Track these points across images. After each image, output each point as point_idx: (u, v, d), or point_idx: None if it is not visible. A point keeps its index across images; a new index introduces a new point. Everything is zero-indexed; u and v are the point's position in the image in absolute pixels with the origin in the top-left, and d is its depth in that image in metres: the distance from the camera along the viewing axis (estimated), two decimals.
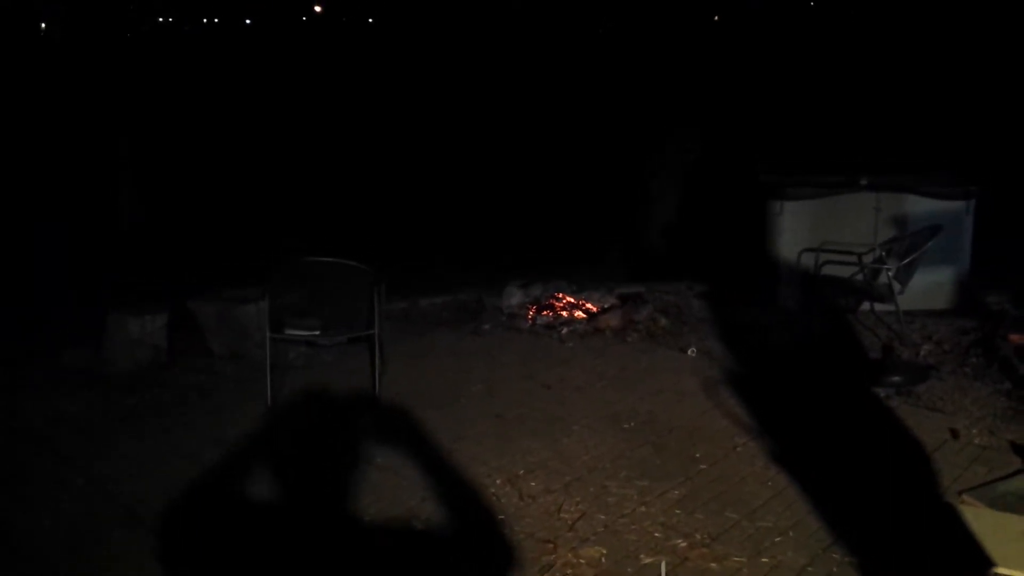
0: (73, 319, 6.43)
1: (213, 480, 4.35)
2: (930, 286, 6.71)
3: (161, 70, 21.26)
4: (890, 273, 5.99)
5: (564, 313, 6.99)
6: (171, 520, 3.95)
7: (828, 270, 6.29)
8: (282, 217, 10.25)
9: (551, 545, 3.68)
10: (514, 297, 7.18)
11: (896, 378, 5.40)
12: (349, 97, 19.17)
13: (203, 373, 5.91)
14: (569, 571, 3.49)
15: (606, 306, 7.05)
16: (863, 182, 6.90)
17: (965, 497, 3.77)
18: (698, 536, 3.74)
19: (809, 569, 3.48)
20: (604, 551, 3.63)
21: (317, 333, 5.42)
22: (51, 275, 7.90)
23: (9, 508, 4.10)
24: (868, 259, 6.27)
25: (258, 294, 5.73)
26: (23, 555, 3.71)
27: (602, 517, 3.92)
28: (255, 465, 4.51)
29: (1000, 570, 2.64)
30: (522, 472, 4.39)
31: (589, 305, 7.09)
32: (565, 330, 6.70)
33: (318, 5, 49.46)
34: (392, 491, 4.15)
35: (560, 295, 7.23)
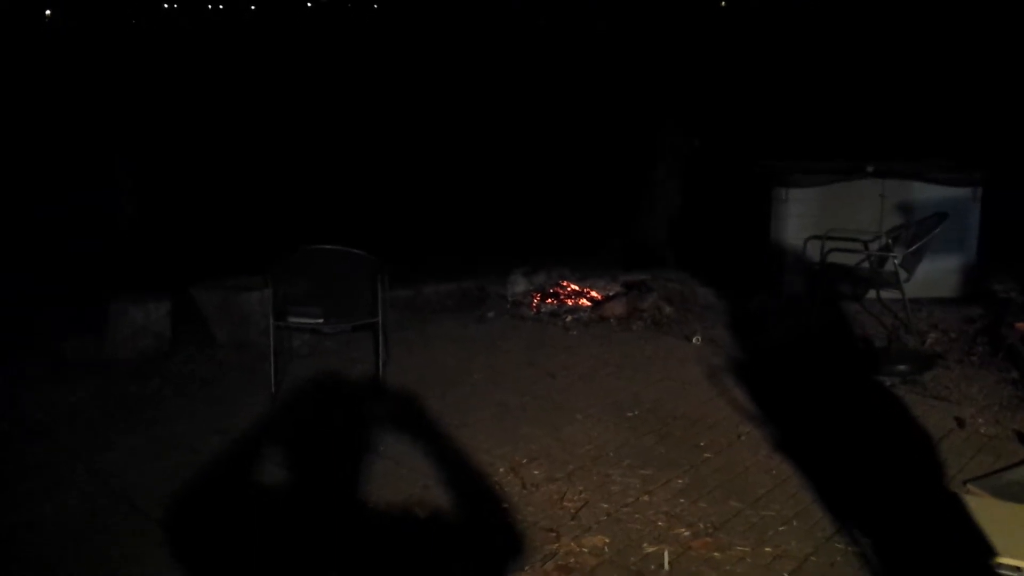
0: (75, 308, 6.41)
1: (216, 470, 4.35)
2: (936, 274, 6.68)
3: (164, 58, 21.22)
4: (896, 261, 5.96)
5: (568, 301, 6.97)
6: (174, 510, 3.95)
7: (834, 258, 6.26)
8: (286, 207, 10.22)
9: (554, 534, 3.67)
10: (518, 285, 7.16)
11: (901, 366, 5.38)
12: (353, 87, 19.12)
13: (206, 362, 5.90)
14: (572, 560, 3.48)
15: (611, 294, 7.03)
16: (869, 169, 6.87)
17: (970, 486, 3.75)
18: (702, 525, 3.73)
19: (813, 558, 3.46)
20: (607, 540, 3.62)
21: (321, 321, 5.40)
22: (53, 264, 7.88)
23: (10, 499, 4.10)
24: (874, 247, 6.24)
25: (261, 282, 5.72)
26: (24, 547, 3.71)
27: (605, 506, 3.91)
28: (259, 454, 4.51)
29: (1003, 559, 2.63)
30: (525, 460, 4.38)
31: (594, 293, 7.07)
32: (569, 318, 6.68)
33: None
34: (395, 479, 4.14)
35: (564, 283, 7.21)
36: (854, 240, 6.21)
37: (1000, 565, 2.62)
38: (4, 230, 8.73)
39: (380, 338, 5.44)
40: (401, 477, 4.17)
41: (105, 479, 4.26)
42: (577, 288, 7.14)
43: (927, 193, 6.76)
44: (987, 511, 3.01)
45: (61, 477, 4.29)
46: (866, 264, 6.26)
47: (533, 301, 6.97)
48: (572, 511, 3.87)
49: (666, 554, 3.48)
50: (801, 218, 6.87)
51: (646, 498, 3.98)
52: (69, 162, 10.86)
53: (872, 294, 6.51)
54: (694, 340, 6.16)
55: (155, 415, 5.06)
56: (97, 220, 8.95)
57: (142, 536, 3.73)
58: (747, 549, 3.54)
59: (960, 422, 4.68)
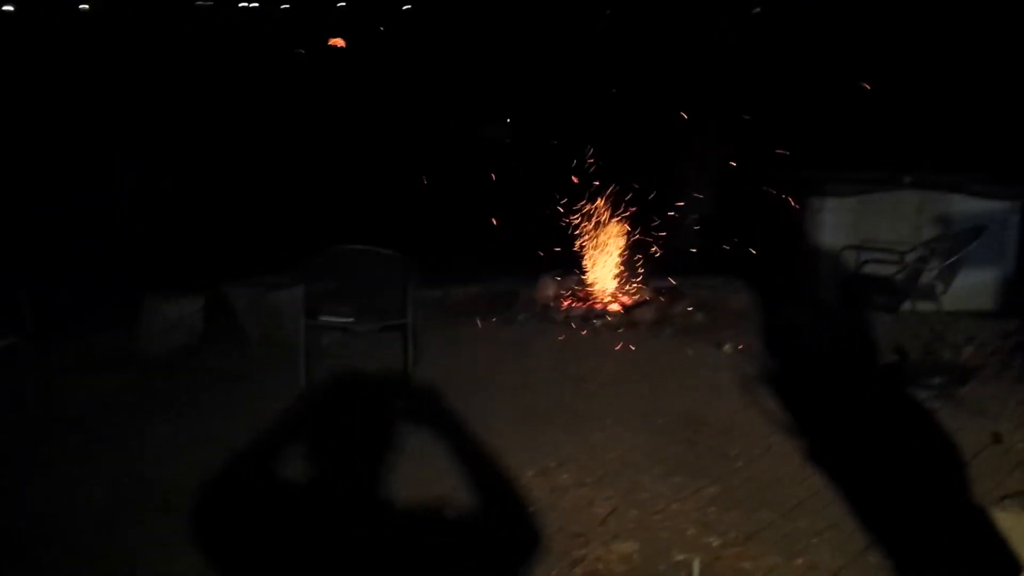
0: (108, 302, 6.46)
1: (245, 465, 4.36)
2: (973, 287, 6.59)
3: (192, 52, 21.33)
4: (932, 273, 5.88)
5: (598, 305, 6.93)
6: (202, 504, 3.96)
7: (869, 268, 6.19)
8: (317, 207, 10.26)
9: (582, 539, 3.65)
10: (548, 288, 7.13)
11: (937, 380, 5.30)
12: (387, 87, 19.16)
13: (237, 358, 5.94)
14: (600, 565, 3.45)
15: (641, 299, 6.99)
16: (907, 180, 6.79)
17: (1005, 503, 3.69)
18: (732, 535, 3.69)
19: (844, 572, 3.42)
20: (636, 547, 3.59)
21: (351, 320, 5.42)
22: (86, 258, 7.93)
23: (42, 490, 4.14)
24: (910, 258, 6.16)
25: (292, 280, 5.75)
26: (55, 537, 3.74)
27: (634, 512, 3.88)
28: (287, 450, 4.51)
29: None
30: (553, 465, 4.35)
31: (624, 298, 7.03)
32: (599, 323, 6.65)
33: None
34: (422, 479, 4.13)
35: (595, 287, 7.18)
36: (890, 251, 6.14)
37: None
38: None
39: (409, 338, 5.44)
40: (428, 478, 4.15)
41: (135, 471, 4.29)
42: (607, 293, 7.11)
43: (966, 206, 6.68)
44: (1021, 529, 2.95)
45: (92, 467, 4.33)
46: (902, 275, 6.19)
47: (563, 305, 6.95)
48: (601, 517, 3.84)
49: (696, 563, 3.44)
50: (837, 228, 6.82)
51: (676, 506, 3.94)
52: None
53: (907, 306, 6.43)
54: (725, 348, 6.10)
55: (186, 409, 5.09)
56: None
57: (170, 527, 3.74)
58: (778, 560, 3.49)
59: (997, 437, 4.60)
